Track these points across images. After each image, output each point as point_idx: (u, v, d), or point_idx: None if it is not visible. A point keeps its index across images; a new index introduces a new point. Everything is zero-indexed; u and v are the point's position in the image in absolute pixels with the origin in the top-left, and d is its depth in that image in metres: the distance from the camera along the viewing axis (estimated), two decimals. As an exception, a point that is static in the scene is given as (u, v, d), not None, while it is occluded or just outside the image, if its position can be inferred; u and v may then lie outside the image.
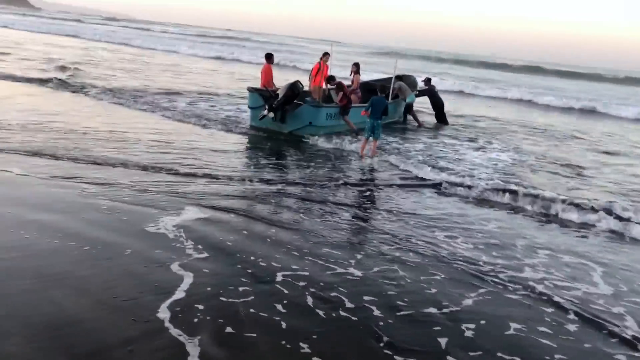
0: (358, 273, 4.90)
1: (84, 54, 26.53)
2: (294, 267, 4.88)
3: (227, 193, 6.85)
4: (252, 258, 4.97)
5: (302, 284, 4.57)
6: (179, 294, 4.16)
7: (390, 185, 8.06)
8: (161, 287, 4.24)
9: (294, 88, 10.85)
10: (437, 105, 15.06)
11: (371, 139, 9.99)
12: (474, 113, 18.16)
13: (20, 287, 4.05)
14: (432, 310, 4.35)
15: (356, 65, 13.12)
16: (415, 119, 14.51)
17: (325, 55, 12.79)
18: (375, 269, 5.03)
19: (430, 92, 15.03)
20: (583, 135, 15.58)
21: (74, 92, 13.97)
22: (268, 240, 5.47)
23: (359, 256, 5.30)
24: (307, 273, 4.78)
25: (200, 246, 5.10)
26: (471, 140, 12.80)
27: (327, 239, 5.65)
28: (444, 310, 4.37)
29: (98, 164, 7.46)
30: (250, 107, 11.68)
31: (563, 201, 7.47)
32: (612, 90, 38.39)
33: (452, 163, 9.84)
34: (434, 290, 4.71)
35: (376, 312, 4.22)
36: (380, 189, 7.93)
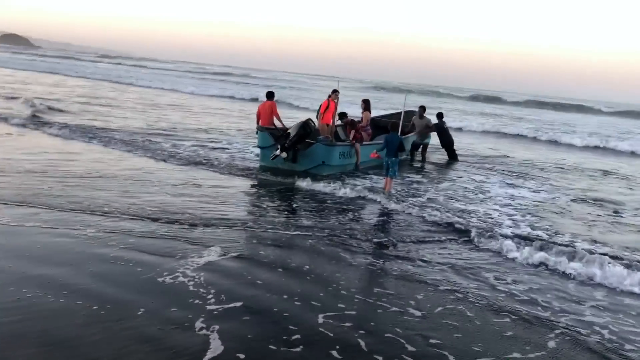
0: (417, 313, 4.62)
1: (70, 91, 26.48)
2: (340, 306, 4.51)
3: (244, 239, 6.37)
4: (285, 305, 4.57)
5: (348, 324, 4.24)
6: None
7: (421, 241, 7.00)
8: (181, 353, 3.72)
9: (306, 127, 10.53)
10: (447, 142, 14.77)
11: (386, 176, 9.76)
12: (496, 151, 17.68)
13: (25, 356, 3.54)
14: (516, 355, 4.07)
15: (365, 102, 12.89)
16: (424, 157, 14.31)
17: (335, 92, 12.54)
18: (438, 309, 4.73)
19: (440, 128, 14.75)
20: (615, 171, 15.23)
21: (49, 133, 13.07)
22: (298, 286, 4.99)
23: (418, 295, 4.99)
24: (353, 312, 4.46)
25: (223, 297, 4.61)
26: (504, 175, 12.59)
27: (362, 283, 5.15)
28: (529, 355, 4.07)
29: (98, 211, 6.97)
30: (260, 147, 11.31)
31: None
32: (610, 123, 38.32)
33: (479, 204, 9.32)
34: (509, 333, 4.42)
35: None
36: (408, 242, 7.18)
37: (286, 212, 8.00)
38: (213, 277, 5.07)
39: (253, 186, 9.60)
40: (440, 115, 14.91)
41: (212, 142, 13.75)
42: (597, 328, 4.75)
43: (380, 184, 10.00)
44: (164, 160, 10.79)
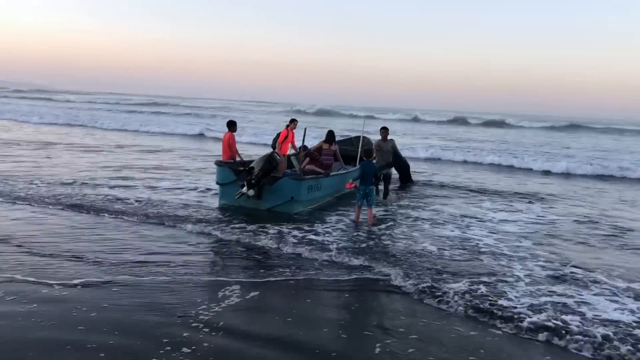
0: None
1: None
2: None
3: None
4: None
5: None
6: None
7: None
8: None
9: (272, 160, 9.67)
10: (402, 166, 14.41)
11: (365, 205, 9.27)
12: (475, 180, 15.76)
13: None
14: None
15: (330, 133, 12.30)
16: (387, 191, 12.15)
17: (293, 122, 11.89)
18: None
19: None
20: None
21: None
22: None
23: None
24: None
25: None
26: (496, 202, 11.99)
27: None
28: None
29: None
30: (219, 184, 10.27)
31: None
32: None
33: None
34: None
35: None
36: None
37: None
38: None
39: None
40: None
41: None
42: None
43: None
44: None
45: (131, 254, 6.81)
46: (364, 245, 7.77)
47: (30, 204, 9.37)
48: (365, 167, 9.33)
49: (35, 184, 11.20)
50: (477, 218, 10.16)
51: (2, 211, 8.80)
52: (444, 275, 6.49)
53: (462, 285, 6.14)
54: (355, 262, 6.94)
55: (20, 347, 4.18)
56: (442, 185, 14.42)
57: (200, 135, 28.42)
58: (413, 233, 8.66)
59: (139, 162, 15.96)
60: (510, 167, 19.94)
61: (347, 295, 5.79)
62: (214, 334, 4.59)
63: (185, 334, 4.54)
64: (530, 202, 12.23)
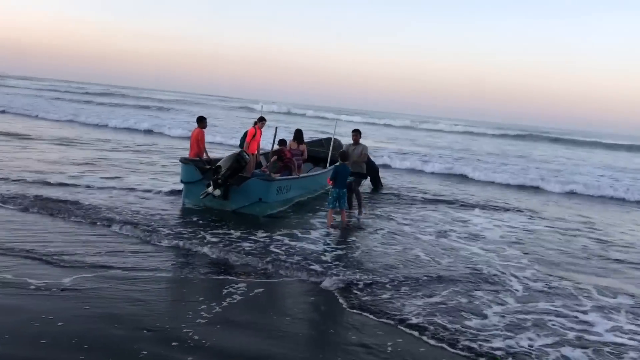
0: None
1: None
2: None
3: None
4: None
5: None
6: None
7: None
8: None
9: (240, 159, 9.23)
10: (372, 168, 14.22)
11: (337, 208, 9.20)
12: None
13: None
14: None
15: (298, 132, 11.84)
16: (360, 200, 10.68)
17: (261, 120, 11.41)
18: None
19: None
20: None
21: None
22: None
23: None
24: None
25: None
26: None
27: None
28: None
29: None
30: (183, 182, 9.71)
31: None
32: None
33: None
34: None
35: None
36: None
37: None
38: None
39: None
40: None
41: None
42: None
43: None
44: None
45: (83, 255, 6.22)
46: (334, 253, 7.48)
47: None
48: (339, 169, 9.18)
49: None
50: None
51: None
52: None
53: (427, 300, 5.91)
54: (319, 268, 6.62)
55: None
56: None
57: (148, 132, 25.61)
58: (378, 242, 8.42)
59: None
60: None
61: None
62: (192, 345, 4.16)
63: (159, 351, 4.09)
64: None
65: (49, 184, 10.14)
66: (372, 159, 14.72)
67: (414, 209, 11.42)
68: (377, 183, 14.27)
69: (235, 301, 5.35)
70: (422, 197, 13.08)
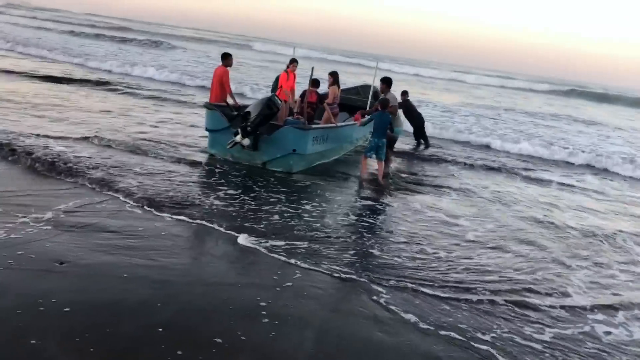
0: None
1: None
2: None
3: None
4: None
5: None
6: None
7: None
8: None
9: (272, 105, 8.12)
10: (417, 124, 12.99)
11: (373, 158, 8.53)
12: None
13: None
14: None
15: (333, 75, 10.55)
16: (387, 161, 9.44)
17: (293, 62, 10.18)
18: None
19: (405, 107, 12.81)
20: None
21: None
22: None
23: None
24: None
25: None
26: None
27: None
28: None
29: None
30: (208, 130, 8.71)
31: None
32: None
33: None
34: None
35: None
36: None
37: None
38: None
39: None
40: (404, 93, 12.99)
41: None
42: None
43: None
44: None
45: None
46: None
47: None
48: (378, 117, 8.44)
49: None
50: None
51: None
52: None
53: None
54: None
55: None
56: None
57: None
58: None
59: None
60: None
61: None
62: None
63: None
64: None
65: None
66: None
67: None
68: (423, 137, 13.01)
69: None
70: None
